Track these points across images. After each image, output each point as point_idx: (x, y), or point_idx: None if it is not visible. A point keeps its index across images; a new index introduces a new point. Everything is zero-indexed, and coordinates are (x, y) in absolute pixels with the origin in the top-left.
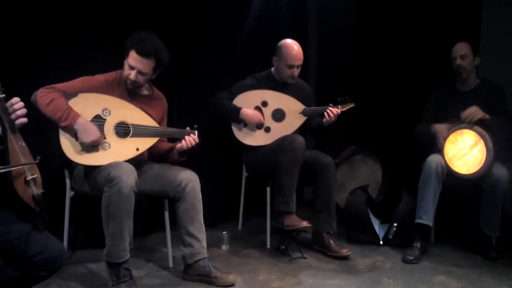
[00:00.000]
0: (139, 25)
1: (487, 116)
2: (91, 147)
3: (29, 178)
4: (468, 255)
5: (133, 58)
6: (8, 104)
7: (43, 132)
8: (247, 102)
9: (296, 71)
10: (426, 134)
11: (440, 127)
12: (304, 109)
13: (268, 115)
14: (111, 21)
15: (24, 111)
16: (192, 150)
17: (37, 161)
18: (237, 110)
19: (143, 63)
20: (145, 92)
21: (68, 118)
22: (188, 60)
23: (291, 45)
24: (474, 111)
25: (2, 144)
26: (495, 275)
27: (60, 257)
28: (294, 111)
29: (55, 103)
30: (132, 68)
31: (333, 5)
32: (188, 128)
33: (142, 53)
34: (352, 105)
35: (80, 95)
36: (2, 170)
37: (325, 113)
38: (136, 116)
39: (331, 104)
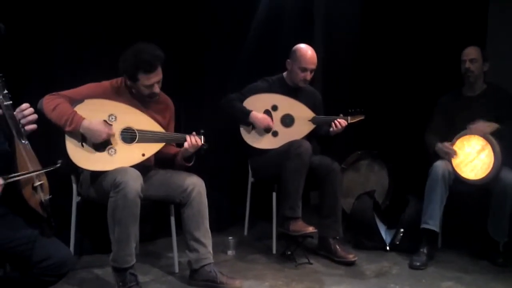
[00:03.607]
0: (145, 29)
1: (496, 126)
2: (98, 151)
3: (36, 184)
4: (475, 261)
5: (146, 79)
6: (17, 110)
7: (49, 138)
8: (258, 104)
9: (309, 75)
10: (432, 150)
11: (442, 147)
12: (314, 117)
13: (277, 120)
14: (117, 27)
15: (35, 116)
16: (198, 155)
17: (58, 165)
18: (247, 113)
19: (157, 75)
20: None
21: (73, 122)
22: (195, 64)
23: (306, 49)
24: (482, 125)
25: (9, 149)
26: (503, 281)
27: (67, 263)
28: (304, 118)
29: (60, 108)
30: (151, 86)
31: (340, 10)
32: (194, 133)
33: (151, 69)
34: (362, 117)
35: (86, 101)
36: (22, 176)
37: (333, 123)
38: (142, 121)
39: (341, 115)
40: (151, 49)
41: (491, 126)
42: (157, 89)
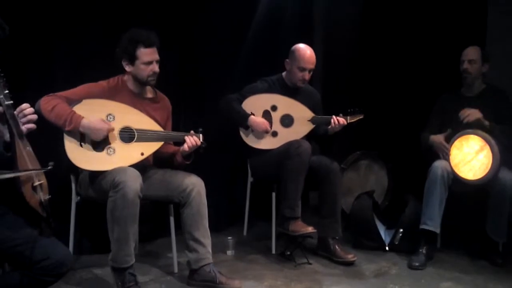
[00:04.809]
0: (144, 28)
1: (486, 123)
2: (97, 150)
3: (36, 184)
4: (474, 261)
5: (145, 54)
6: (17, 110)
7: (48, 138)
8: (257, 105)
9: (308, 75)
10: (426, 145)
11: (436, 138)
12: (313, 117)
13: (276, 120)
14: (116, 27)
15: (35, 116)
16: (197, 153)
17: (50, 167)
18: (246, 116)
19: (155, 52)
20: (148, 95)
21: (72, 121)
22: (195, 64)
23: (305, 49)
24: (472, 112)
25: (9, 151)
26: (502, 281)
27: (66, 263)
28: (303, 118)
29: (58, 108)
30: (149, 63)
31: (340, 10)
32: (192, 132)
33: (150, 43)
34: (361, 116)
35: (84, 101)
36: (11, 175)
37: (332, 120)
38: (140, 120)
39: (341, 115)
40: (145, 31)
41: (480, 114)
42: (156, 67)
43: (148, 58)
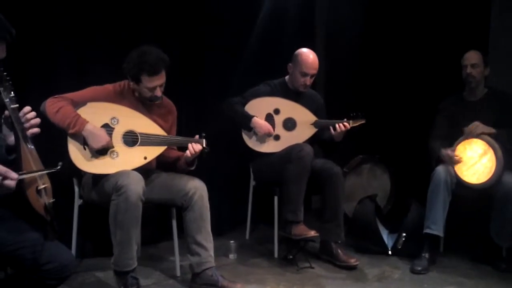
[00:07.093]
0: (147, 32)
1: (493, 130)
2: (100, 154)
3: (40, 187)
4: (478, 266)
5: (149, 81)
6: (20, 113)
7: (52, 141)
8: (260, 108)
9: (309, 80)
10: (437, 159)
11: (444, 152)
12: (316, 121)
13: (279, 123)
14: (119, 30)
15: (37, 120)
16: (200, 159)
17: (58, 167)
18: (249, 118)
19: (160, 78)
20: None
21: (76, 124)
22: (197, 68)
23: (307, 54)
24: (476, 126)
25: (14, 153)
26: (505, 286)
27: (70, 266)
28: (306, 122)
29: (63, 111)
30: (153, 89)
31: (342, 14)
32: (196, 137)
33: (154, 72)
34: (363, 121)
35: (89, 104)
36: (31, 174)
37: (336, 125)
38: (144, 125)
39: (345, 119)
40: (156, 52)
41: (486, 128)
42: (159, 92)
43: (151, 85)
